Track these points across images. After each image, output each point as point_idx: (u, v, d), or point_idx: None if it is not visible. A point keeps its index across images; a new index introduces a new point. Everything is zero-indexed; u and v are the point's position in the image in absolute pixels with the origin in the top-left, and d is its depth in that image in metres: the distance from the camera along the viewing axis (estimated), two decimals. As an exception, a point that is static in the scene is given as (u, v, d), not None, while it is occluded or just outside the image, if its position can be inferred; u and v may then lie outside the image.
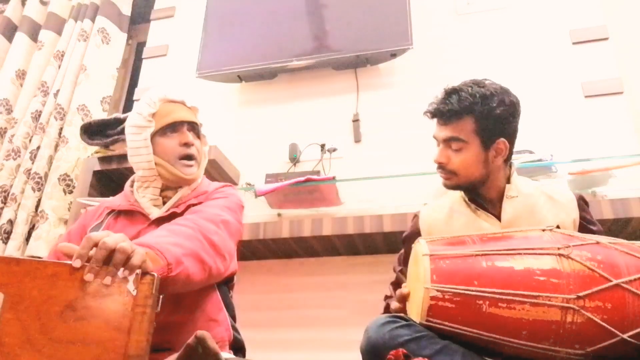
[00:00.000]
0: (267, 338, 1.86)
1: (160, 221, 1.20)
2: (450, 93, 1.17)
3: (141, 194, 1.27)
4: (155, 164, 1.24)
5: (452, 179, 1.18)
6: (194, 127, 1.30)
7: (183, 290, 1.04)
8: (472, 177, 1.16)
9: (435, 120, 1.22)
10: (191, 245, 1.00)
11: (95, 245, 0.80)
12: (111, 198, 1.40)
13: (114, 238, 0.81)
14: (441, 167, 1.19)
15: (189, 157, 1.26)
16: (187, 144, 1.25)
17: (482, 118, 1.13)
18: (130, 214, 1.26)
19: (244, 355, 1.25)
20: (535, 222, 1.12)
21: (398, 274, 1.32)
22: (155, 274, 0.81)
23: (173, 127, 1.26)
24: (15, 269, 0.78)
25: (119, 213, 1.27)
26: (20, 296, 0.76)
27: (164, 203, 1.26)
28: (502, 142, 1.15)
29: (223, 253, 1.11)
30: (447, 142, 1.17)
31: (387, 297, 1.35)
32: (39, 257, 1.98)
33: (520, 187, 1.19)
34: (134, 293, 0.78)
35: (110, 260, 0.79)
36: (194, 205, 1.22)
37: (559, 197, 1.18)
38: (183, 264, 0.95)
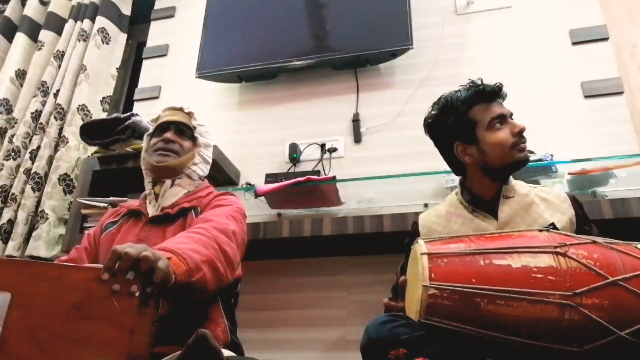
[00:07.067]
0: (267, 338, 1.86)
1: (154, 220, 1.30)
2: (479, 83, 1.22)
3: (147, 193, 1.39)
4: (143, 159, 1.42)
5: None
6: (183, 129, 1.42)
7: (197, 297, 1.08)
8: None
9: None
10: (208, 253, 1.05)
11: (120, 256, 0.82)
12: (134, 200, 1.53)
13: (137, 248, 0.83)
14: (523, 135, 1.21)
15: (163, 148, 1.38)
16: (164, 140, 1.38)
17: None
18: (138, 214, 1.36)
19: None
20: (531, 221, 1.13)
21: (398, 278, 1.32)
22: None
23: (161, 128, 1.42)
24: (23, 271, 0.80)
25: (132, 213, 1.38)
26: (27, 296, 0.78)
27: (156, 199, 1.36)
28: None
29: (233, 263, 1.16)
30: (511, 117, 1.21)
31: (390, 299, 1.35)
32: (39, 257, 1.98)
33: (517, 187, 1.21)
34: (137, 295, 0.80)
35: (132, 267, 0.81)
36: (186, 208, 1.31)
37: (552, 198, 1.20)
38: (202, 270, 0.99)
